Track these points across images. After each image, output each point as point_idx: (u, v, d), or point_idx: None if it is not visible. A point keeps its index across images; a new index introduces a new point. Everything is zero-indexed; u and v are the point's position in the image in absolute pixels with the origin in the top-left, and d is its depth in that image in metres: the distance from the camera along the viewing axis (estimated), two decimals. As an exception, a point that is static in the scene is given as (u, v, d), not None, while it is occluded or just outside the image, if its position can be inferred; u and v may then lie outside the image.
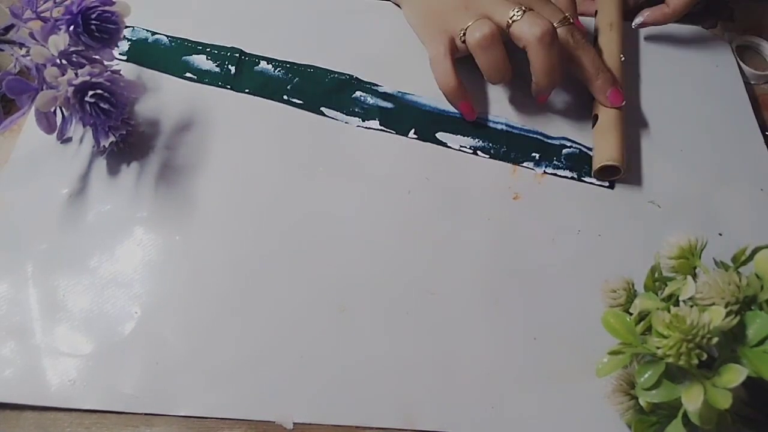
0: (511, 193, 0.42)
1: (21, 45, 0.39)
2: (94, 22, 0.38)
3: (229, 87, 0.46)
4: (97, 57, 0.40)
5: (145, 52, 0.48)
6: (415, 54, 0.47)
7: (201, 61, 0.47)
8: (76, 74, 0.37)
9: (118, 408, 0.34)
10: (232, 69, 0.47)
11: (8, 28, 0.39)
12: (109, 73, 0.39)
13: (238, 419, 0.34)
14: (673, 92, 0.48)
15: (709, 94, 0.48)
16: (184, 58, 0.48)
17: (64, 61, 0.38)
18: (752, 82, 0.49)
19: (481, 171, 0.43)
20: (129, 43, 0.48)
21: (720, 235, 0.41)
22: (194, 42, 0.48)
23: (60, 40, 0.37)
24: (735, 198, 0.43)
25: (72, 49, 0.38)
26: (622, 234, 0.41)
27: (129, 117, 0.43)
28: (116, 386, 0.34)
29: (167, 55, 0.48)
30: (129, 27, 0.49)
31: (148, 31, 0.49)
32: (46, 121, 0.39)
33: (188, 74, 0.47)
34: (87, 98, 0.37)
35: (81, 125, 0.42)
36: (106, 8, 0.39)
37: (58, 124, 0.41)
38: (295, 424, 0.34)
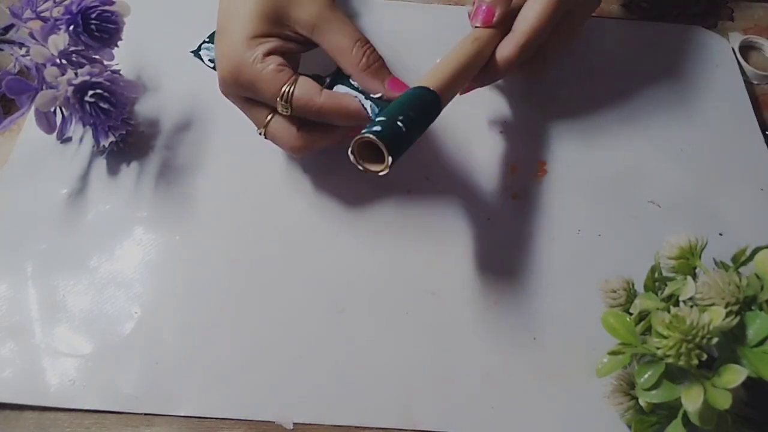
0: (510, 192, 0.42)
1: (21, 45, 0.39)
2: (93, 21, 0.38)
3: None
4: (97, 57, 0.40)
5: None
6: (420, 56, 0.47)
7: None
8: (76, 74, 0.37)
9: (117, 408, 0.34)
10: None
11: (8, 28, 0.39)
12: (108, 72, 0.39)
13: (237, 419, 0.34)
14: (673, 92, 0.48)
15: (709, 94, 0.48)
16: None
17: (63, 61, 0.38)
18: (753, 82, 0.49)
19: (480, 171, 0.43)
20: None
21: (720, 235, 0.41)
22: None
23: (60, 40, 0.37)
24: (735, 198, 0.43)
25: (72, 48, 0.39)
26: (622, 234, 0.41)
27: (129, 117, 0.43)
28: (116, 386, 0.34)
29: None
30: None
31: None
32: (46, 121, 0.39)
33: None
34: (87, 98, 0.37)
35: (81, 125, 0.42)
36: (106, 8, 0.39)
37: (58, 123, 0.41)
38: (295, 424, 0.34)
